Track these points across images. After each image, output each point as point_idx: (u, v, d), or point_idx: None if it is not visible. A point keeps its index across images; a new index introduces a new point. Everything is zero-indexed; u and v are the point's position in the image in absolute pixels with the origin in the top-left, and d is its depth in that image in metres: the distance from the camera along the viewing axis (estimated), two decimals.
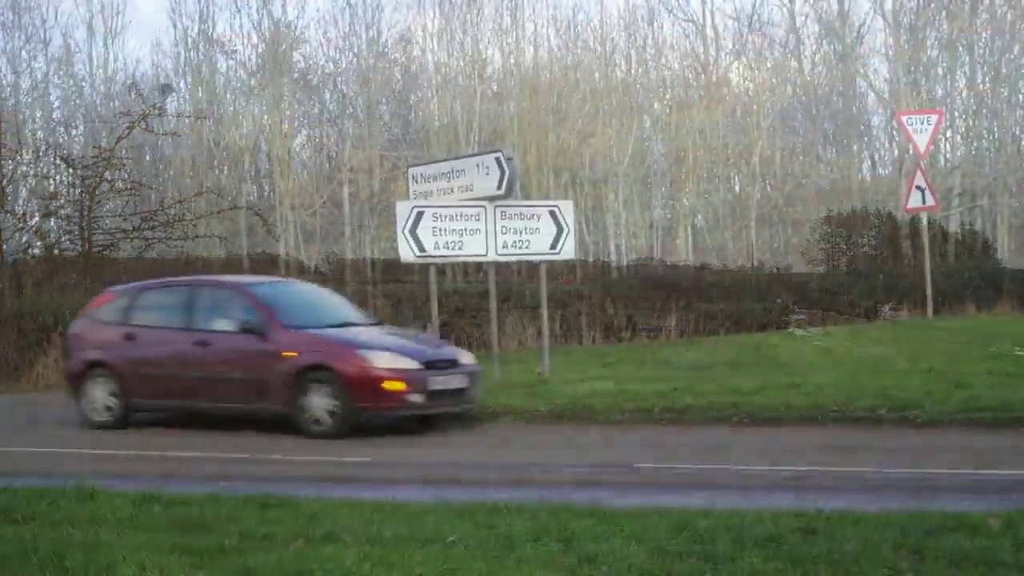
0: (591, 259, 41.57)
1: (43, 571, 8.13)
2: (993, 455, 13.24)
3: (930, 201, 32.36)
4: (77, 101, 41.22)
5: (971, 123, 49.12)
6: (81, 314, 20.58)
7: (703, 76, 47.04)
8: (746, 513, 9.19)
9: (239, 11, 42.62)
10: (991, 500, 9.86)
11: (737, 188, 47.41)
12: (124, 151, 40.17)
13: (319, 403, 16.74)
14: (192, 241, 38.80)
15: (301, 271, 39.43)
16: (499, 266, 24.85)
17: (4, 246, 37.33)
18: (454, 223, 22.16)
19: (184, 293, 19.29)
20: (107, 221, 40.09)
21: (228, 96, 42.14)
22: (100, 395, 18.55)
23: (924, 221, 33.74)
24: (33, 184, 40.16)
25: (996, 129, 49.86)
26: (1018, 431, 14.86)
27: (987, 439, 14.47)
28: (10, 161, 38.94)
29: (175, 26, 43.05)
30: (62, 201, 40.70)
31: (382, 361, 16.92)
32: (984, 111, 49.26)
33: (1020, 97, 50.40)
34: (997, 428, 15.05)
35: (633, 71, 46.70)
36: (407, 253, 22.08)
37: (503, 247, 22.40)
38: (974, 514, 8.81)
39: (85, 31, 42.14)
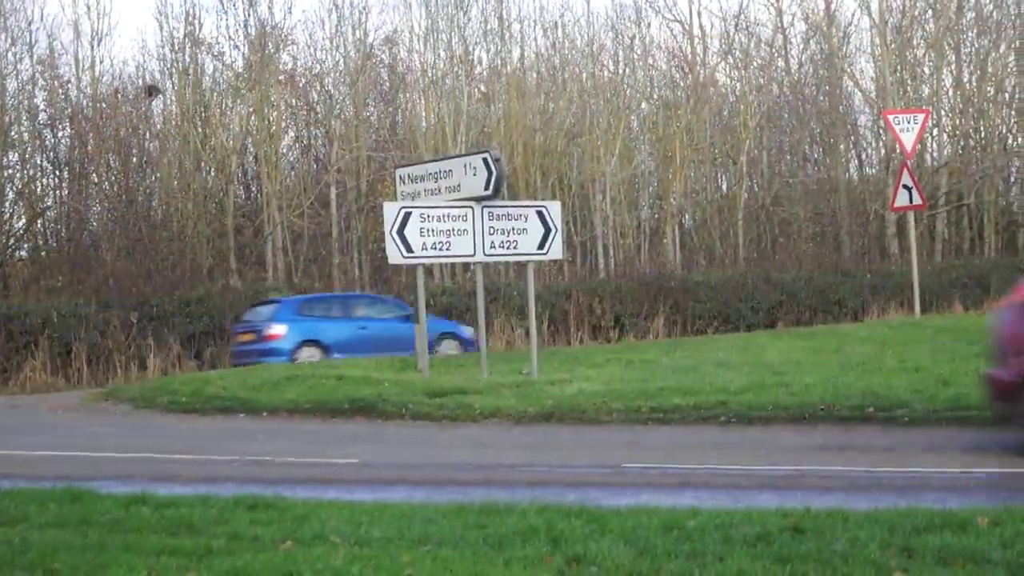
0: (579, 259, 41.66)
1: (32, 573, 8.13)
2: (980, 453, 13.28)
3: (917, 200, 32.42)
4: (63, 103, 41.02)
5: (958, 122, 49.28)
6: (1010, 301, 14.86)
7: (690, 76, 47.08)
8: (734, 512, 9.21)
9: (225, 12, 42.52)
10: (979, 498, 9.88)
11: (724, 188, 47.52)
12: (111, 153, 40.16)
13: None
14: (180, 242, 38.80)
15: (289, 272, 39.48)
16: (487, 266, 24.87)
17: None
18: (441, 224, 22.20)
19: None
20: (94, 223, 40.15)
21: (215, 97, 41.99)
22: None
23: (911, 220, 33.81)
24: (19, 186, 40.09)
25: (983, 128, 50.01)
26: (1003, 429, 14.92)
27: (974, 437, 14.51)
28: None
29: (161, 28, 42.98)
30: (49, 203, 40.72)
31: None
32: (971, 110, 49.41)
33: (1006, 96, 50.59)
34: (983, 426, 15.10)
35: (620, 71, 46.76)
36: (395, 254, 22.13)
37: (491, 247, 22.45)
38: (962, 512, 8.83)
39: (71, 33, 42.10)
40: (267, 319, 30.07)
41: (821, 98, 48.49)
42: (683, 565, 7.68)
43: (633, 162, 44.12)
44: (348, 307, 31.66)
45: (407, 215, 22.04)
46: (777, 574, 7.37)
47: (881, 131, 45.28)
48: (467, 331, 31.04)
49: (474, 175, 22.69)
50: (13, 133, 39.78)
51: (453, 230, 22.23)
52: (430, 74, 43.28)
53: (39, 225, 40.60)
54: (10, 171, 39.79)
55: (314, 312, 30.73)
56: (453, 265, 36.98)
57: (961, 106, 49.23)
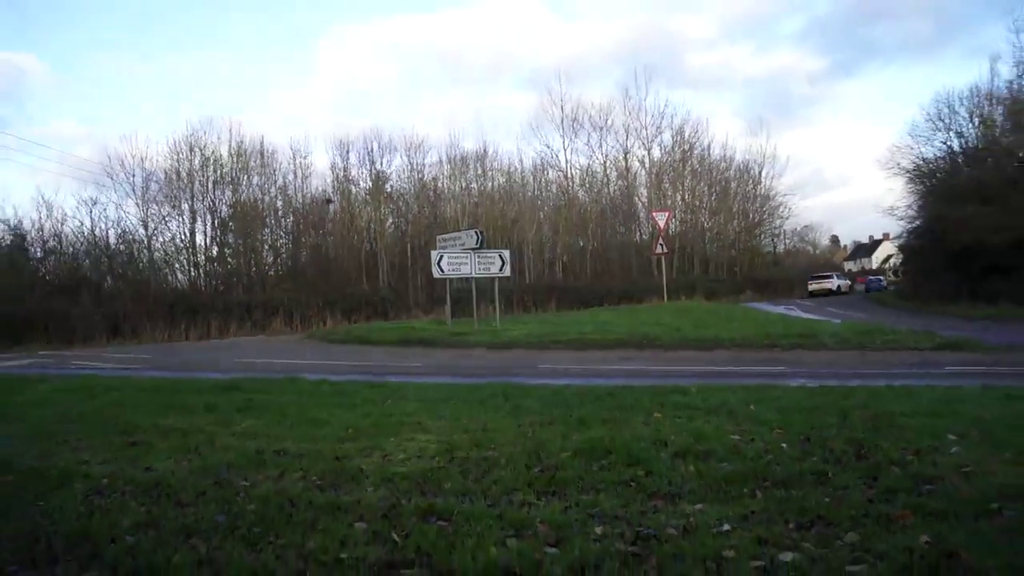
0: (517, 276, 41.58)
1: (273, 415, 8.05)
2: (694, 360, 13.36)
3: (665, 250, 32.63)
4: (289, 206, 40.54)
5: (684, 215, 49.67)
6: None
7: (566, 195, 47.10)
8: (585, 387, 9.21)
9: (361, 166, 42.38)
10: (694, 380, 9.94)
11: (581, 244, 47.38)
12: (311, 229, 39.80)
13: None
14: (340, 270, 38.33)
15: (390, 283, 39.08)
16: (477, 279, 24.62)
17: (255, 271, 36.83)
18: (456, 260, 22.17)
19: None
20: (303, 260, 39.71)
21: (356, 204, 41.63)
22: None
23: (663, 260, 33.98)
24: (269, 244, 39.59)
25: (694, 219, 50.51)
26: (705, 350, 15.05)
27: (694, 353, 14.60)
28: (258, 236, 38.56)
29: (332, 171, 42.68)
30: (283, 252, 40.12)
31: None
32: (688, 211, 49.91)
33: (704, 205, 51.15)
34: (697, 348, 15.19)
35: (535, 192, 46.72)
36: (437, 273, 22.07)
37: (479, 270, 22.43)
38: (685, 386, 8.88)
39: (292, 174, 41.38)
40: None
41: (624, 205, 48.66)
42: (563, 410, 7.68)
43: (541, 233, 44.00)
44: None
45: (441, 256, 22.00)
46: (602, 413, 7.38)
47: (649, 220, 45.52)
48: None
49: (471, 238, 22.69)
50: (268, 220, 39.38)
51: (461, 262, 22.20)
52: (451, 193, 43.15)
53: (278, 261, 40.07)
54: (267, 239, 39.35)
55: None
56: (462, 279, 36.76)
57: (685, 209, 49.65)
